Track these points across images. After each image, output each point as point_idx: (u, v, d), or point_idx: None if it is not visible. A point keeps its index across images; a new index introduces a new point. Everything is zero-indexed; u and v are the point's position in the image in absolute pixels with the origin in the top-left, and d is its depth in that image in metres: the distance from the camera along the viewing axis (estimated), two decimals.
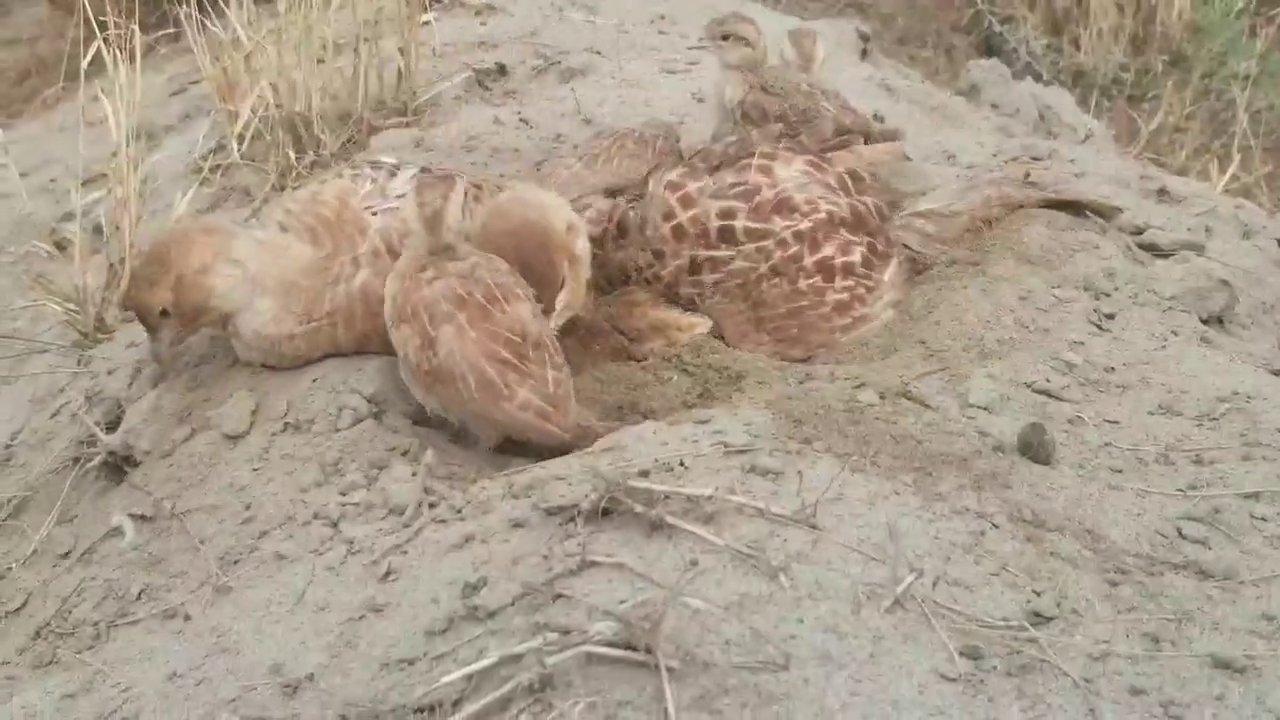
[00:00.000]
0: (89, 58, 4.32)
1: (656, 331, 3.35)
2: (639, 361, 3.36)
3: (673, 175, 3.51)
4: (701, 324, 3.36)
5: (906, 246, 3.62)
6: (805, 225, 3.42)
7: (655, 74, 5.50)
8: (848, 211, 3.50)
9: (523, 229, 3.23)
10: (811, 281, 3.38)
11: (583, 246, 3.27)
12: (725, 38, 4.16)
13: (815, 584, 2.39)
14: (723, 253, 3.37)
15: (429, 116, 5.14)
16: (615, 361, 3.37)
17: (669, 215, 3.40)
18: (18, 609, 3.09)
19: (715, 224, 3.39)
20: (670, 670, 2.17)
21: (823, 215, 3.44)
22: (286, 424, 3.22)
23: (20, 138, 4.88)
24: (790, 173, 3.51)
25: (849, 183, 3.55)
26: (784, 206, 3.43)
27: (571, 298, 3.24)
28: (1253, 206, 4.46)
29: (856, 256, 3.45)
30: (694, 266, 3.36)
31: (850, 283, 3.42)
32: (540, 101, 5.23)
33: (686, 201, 3.42)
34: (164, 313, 3.26)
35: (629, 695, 2.16)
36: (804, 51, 4.32)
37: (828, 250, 3.42)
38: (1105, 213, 3.84)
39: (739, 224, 3.39)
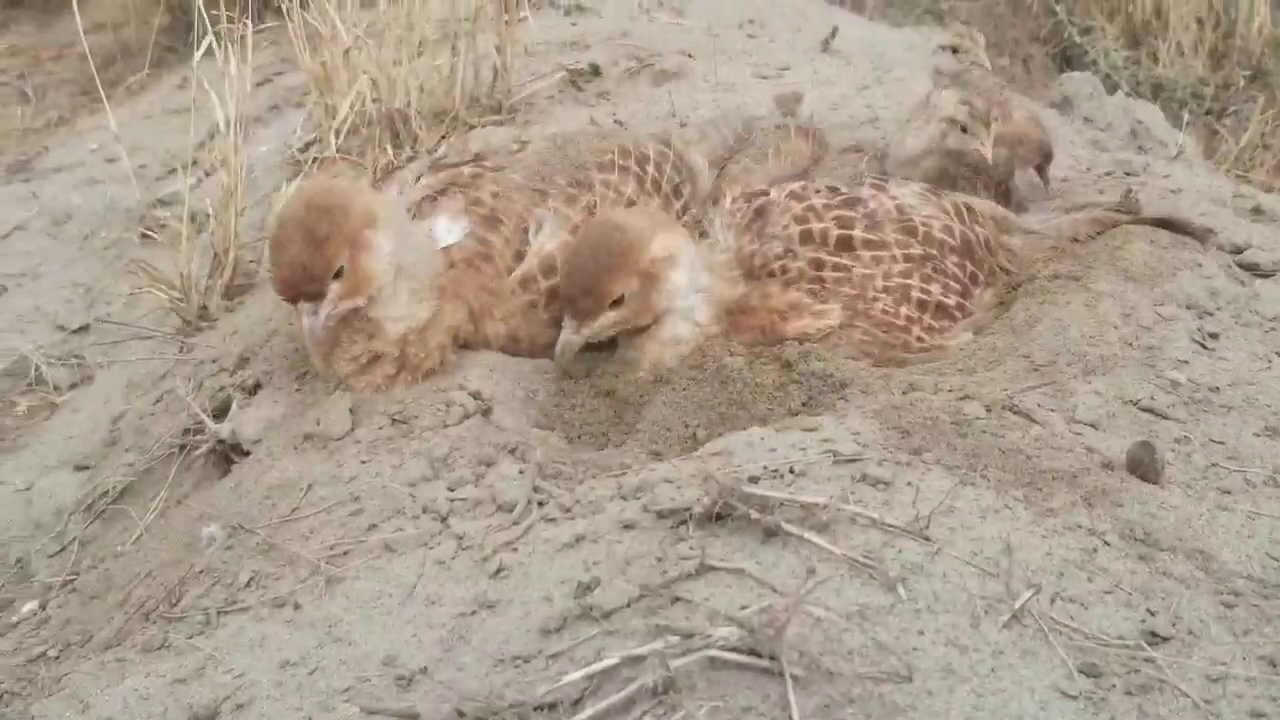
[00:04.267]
0: (202, 50, 4.35)
1: (796, 312, 3.37)
2: (785, 341, 3.38)
3: (794, 187, 3.58)
4: (834, 312, 3.39)
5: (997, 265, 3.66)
6: (917, 250, 3.48)
7: (748, 78, 5.52)
8: (959, 239, 3.57)
9: (611, 235, 3.30)
10: (909, 311, 3.43)
11: (673, 275, 3.34)
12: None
13: (933, 596, 2.40)
14: (844, 259, 3.42)
15: (524, 115, 5.18)
16: (764, 340, 3.39)
17: (799, 219, 3.45)
18: (127, 593, 3.13)
19: (835, 232, 3.47)
20: (795, 678, 2.18)
21: (935, 242, 3.53)
22: (394, 419, 3.24)
23: (114, 122, 4.93)
24: (905, 191, 3.59)
25: (964, 211, 3.60)
26: (901, 222, 3.52)
27: (628, 313, 3.33)
28: None
29: (953, 299, 3.52)
30: (818, 267, 3.40)
31: (941, 321, 3.48)
32: (634, 103, 5.25)
33: (810, 210, 3.48)
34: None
35: (753, 701, 2.18)
36: None
37: (934, 288, 3.50)
38: (1198, 235, 3.84)
39: (857, 234, 3.46)
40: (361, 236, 3.21)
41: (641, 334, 3.39)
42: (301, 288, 3.19)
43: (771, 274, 3.43)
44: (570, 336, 3.30)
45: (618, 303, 3.29)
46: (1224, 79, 7.69)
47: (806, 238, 3.46)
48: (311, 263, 3.16)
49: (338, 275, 3.20)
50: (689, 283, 3.37)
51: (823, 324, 3.38)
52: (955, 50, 4.62)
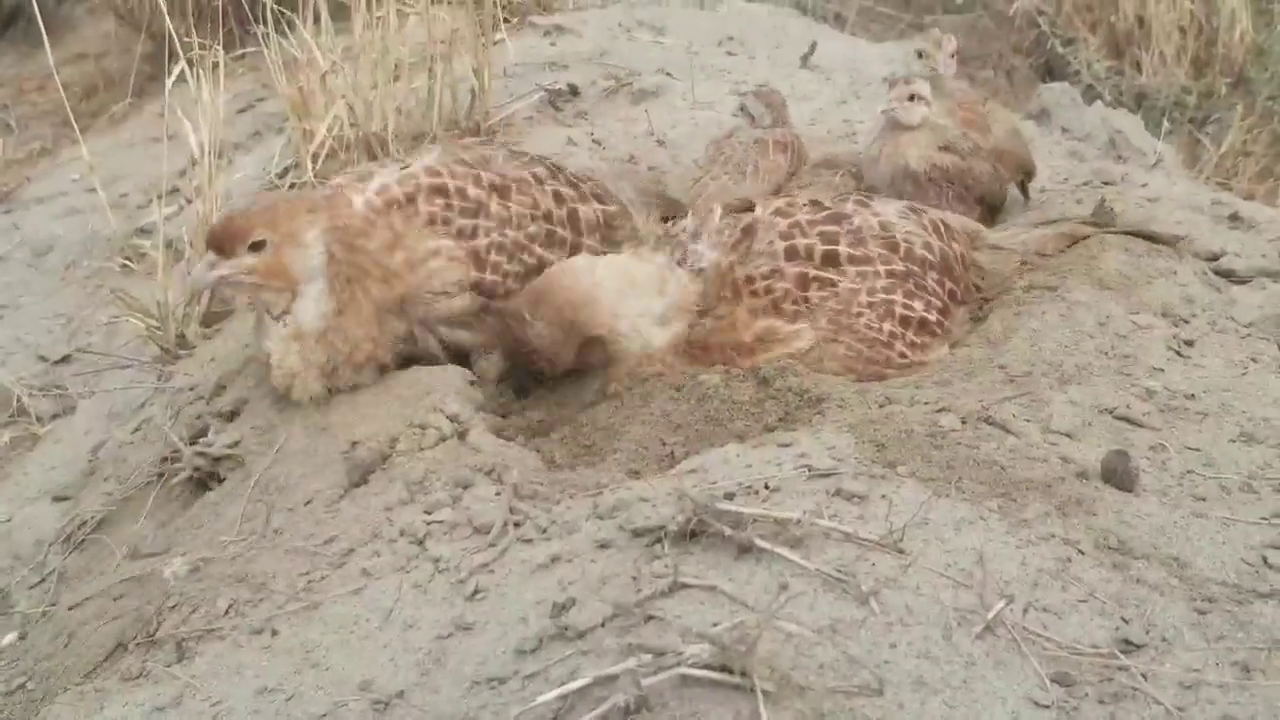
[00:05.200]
0: (174, 77, 4.36)
1: (763, 344, 3.38)
2: (751, 370, 3.38)
3: (779, 203, 3.60)
4: (805, 334, 3.39)
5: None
6: (899, 266, 3.48)
7: (726, 95, 5.53)
8: (939, 256, 3.58)
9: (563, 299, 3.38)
10: (892, 327, 3.43)
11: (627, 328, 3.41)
12: (911, 98, 4.19)
13: (906, 609, 2.40)
14: (829, 274, 3.42)
15: (501, 136, 5.17)
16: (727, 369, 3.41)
17: (785, 236, 3.46)
18: (105, 623, 3.12)
19: (820, 248, 3.47)
20: (766, 693, 2.18)
21: (917, 259, 3.53)
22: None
23: (88, 153, 4.92)
24: (888, 209, 3.61)
25: (941, 229, 3.61)
26: (883, 238, 3.53)
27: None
28: None
29: (934, 315, 3.53)
30: (803, 283, 3.40)
31: (922, 337, 3.50)
32: (612, 122, 5.27)
33: (796, 227, 3.49)
34: None
35: (725, 717, 2.17)
36: None
37: (916, 305, 3.50)
38: (1168, 243, 3.84)
39: (842, 249, 3.46)
40: (297, 233, 3.30)
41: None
42: (217, 239, 3.29)
43: (754, 293, 3.43)
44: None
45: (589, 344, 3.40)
46: (1206, 87, 7.71)
47: (792, 254, 3.46)
48: (236, 221, 3.31)
49: (257, 248, 3.29)
50: (636, 327, 3.43)
51: (794, 348, 3.39)
52: (920, 55, 4.63)
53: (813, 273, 3.44)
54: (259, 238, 3.27)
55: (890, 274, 3.48)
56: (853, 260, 3.47)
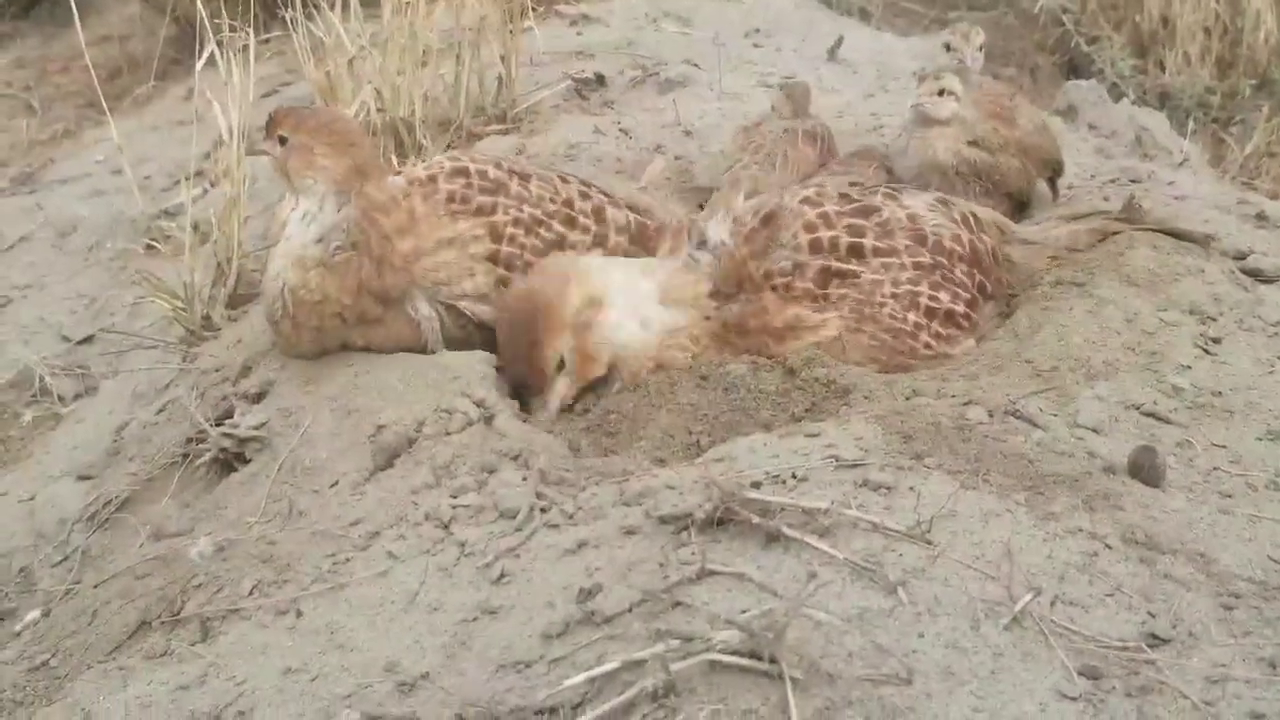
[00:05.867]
0: (203, 60, 4.36)
1: (792, 331, 3.38)
2: (778, 360, 3.38)
3: (809, 192, 3.56)
4: (833, 323, 3.39)
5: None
6: (926, 259, 3.47)
7: (752, 86, 5.52)
8: (968, 248, 3.56)
9: (523, 307, 3.38)
10: (917, 318, 3.42)
11: (601, 316, 3.38)
12: (941, 93, 4.18)
13: (934, 599, 2.41)
14: (852, 266, 3.40)
15: (528, 124, 5.18)
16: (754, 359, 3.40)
17: (810, 227, 3.44)
18: (129, 601, 3.13)
19: (846, 240, 3.44)
20: (794, 680, 2.18)
21: (945, 251, 3.51)
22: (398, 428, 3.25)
23: (112, 135, 4.93)
24: (917, 201, 3.58)
25: (971, 221, 3.60)
26: (911, 230, 3.51)
27: (577, 371, 3.40)
28: None
29: (961, 306, 3.51)
30: (825, 278, 3.39)
31: (948, 329, 3.49)
32: (639, 112, 5.26)
33: (823, 218, 3.46)
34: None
35: (753, 704, 2.18)
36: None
37: (943, 296, 3.48)
38: (1199, 241, 3.83)
39: (868, 242, 3.45)
40: (311, 149, 3.51)
41: (606, 380, 3.45)
42: (271, 117, 3.61)
43: (774, 287, 3.42)
44: (541, 414, 3.39)
45: (561, 365, 3.35)
46: (1230, 87, 7.68)
47: (816, 246, 3.44)
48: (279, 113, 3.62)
49: (282, 141, 3.56)
50: (632, 311, 3.40)
51: (822, 336, 3.39)
52: (948, 48, 4.63)
53: (835, 265, 3.42)
54: (282, 133, 3.53)
55: (916, 265, 3.47)
56: (878, 252, 3.45)
